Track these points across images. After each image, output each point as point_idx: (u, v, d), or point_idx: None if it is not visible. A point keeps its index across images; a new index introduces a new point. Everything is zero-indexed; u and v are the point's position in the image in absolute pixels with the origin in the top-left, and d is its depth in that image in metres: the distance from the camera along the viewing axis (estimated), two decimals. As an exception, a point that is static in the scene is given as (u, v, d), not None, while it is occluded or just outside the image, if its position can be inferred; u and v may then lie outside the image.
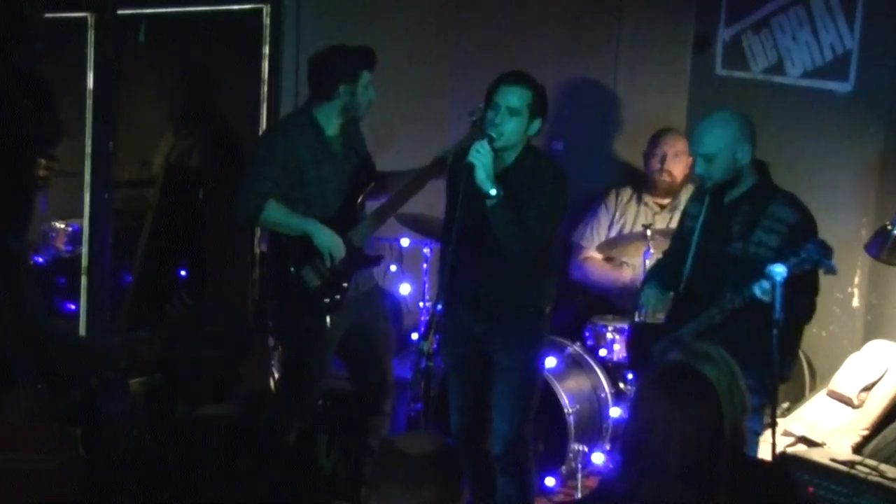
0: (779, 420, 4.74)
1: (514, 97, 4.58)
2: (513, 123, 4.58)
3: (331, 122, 5.06)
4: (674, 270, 4.84)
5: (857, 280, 5.92)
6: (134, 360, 4.65)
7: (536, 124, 4.65)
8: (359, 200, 5.15)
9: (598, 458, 5.66)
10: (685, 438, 3.02)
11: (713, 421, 3.08)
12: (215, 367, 3.32)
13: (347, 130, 5.14)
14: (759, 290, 4.35)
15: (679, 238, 4.91)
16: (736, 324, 4.47)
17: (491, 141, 4.54)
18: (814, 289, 4.56)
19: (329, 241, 4.99)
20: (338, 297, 5.05)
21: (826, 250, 4.31)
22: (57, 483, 3.15)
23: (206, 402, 3.32)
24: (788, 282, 4.26)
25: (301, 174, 4.99)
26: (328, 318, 5.05)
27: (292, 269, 4.99)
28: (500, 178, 4.56)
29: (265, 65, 6.28)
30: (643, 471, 3.05)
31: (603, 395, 5.75)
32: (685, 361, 3.49)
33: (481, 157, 4.50)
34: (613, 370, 5.84)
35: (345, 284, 5.05)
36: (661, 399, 3.09)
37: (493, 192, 4.51)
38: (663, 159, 6.13)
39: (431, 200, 5.44)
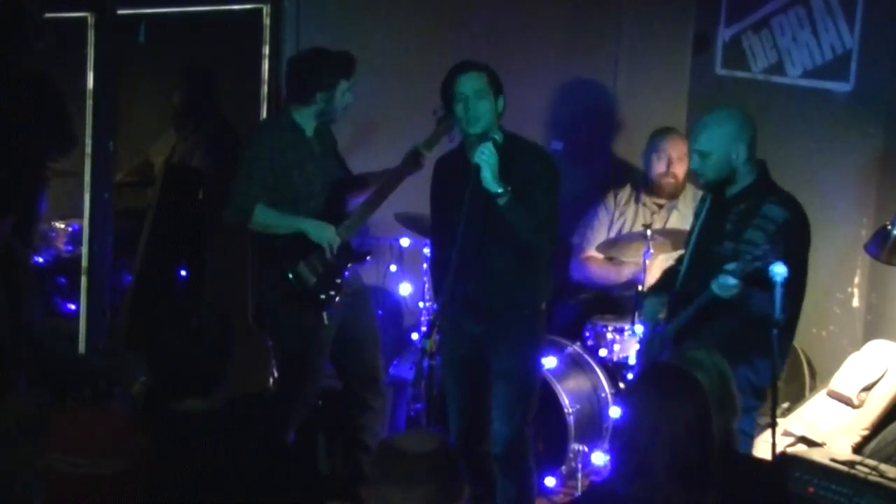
0: (779, 420, 4.74)
1: (473, 82, 4.66)
2: (484, 104, 4.64)
3: (308, 123, 5.16)
4: (675, 274, 4.89)
5: (857, 280, 5.92)
6: (130, 376, 4.66)
7: (500, 101, 4.72)
8: (342, 197, 5.21)
9: (598, 458, 5.66)
10: (673, 437, 3.03)
11: (701, 420, 3.09)
12: (198, 359, 3.30)
13: (323, 131, 5.23)
14: (717, 286, 4.40)
15: (687, 240, 4.94)
16: (718, 324, 4.50)
17: (495, 143, 4.56)
18: (799, 292, 4.58)
19: (325, 233, 5.07)
20: (332, 293, 5.11)
21: (775, 253, 4.32)
22: (115, 489, 3.13)
23: (189, 395, 3.31)
24: (756, 280, 4.31)
25: (287, 174, 5.08)
26: (325, 315, 5.09)
27: (289, 271, 5.05)
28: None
29: (265, 65, 6.28)
30: (635, 470, 3.06)
31: (603, 394, 5.75)
32: (674, 363, 3.52)
33: (488, 159, 4.51)
34: (613, 370, 5.83)
35: (338, 280, 5.12)
36: (650, 398, 3.11)
37: (502, 190, 4.53)
38: (669, 163, 6.07)
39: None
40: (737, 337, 4.44)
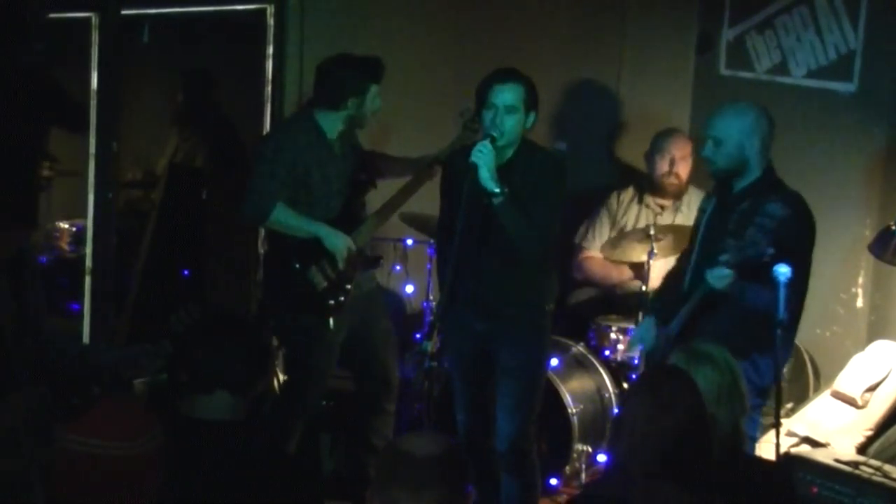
0: (782, 420, 4.75)
1: (509, 95, 4.59)
2: (511, 121, 4.58)
3: (333, 127, 5.09)
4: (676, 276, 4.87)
5: (860, 280, 5.92)
6: (137, 372, 4.66)
7: (532, 117, 4.66)
8: (360, 201, 5.19)
9: (602, 458, 5.66)
10: (667, 437, 3.03)
11: (695, 420, 3.08)
12: (246, 359, 3.32)
13: (347, 133, 5.17)
14: (711, 277, 4.38)
15: (692, 237, 4.92)
16: (717, 319, 4.47)
17: (493, 141, 4.54)
18: (801, 291, 4.56)
19: (340, 242, 5.02)
20: (341, 298, 5.08)
21: (771, 243, 4.29)
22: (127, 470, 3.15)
23: (221, 389, 3.32)
24: (752, 273, 4.28)
25: (307, 176, 5.03)
26: (331, 320, 5.07)
27: (297, 266, 5.01)
28: (500, 174, 4.56)
29: (269, 65, 6.29)
30: (633, 471, 3.06)
31: (607, 395, 5.75)
32: (675, 364, 3.52)
33: (484, 157, 4.49)
34: (617, 370, 5.83)
35: (348, 286, 5.09)
36: (644, 398, 3.11)
37: (499, 190, 4.51)
38: (672, 162, 6.04)
39: (435, 201, 5.45)
40: (736, 333, 4.40)
